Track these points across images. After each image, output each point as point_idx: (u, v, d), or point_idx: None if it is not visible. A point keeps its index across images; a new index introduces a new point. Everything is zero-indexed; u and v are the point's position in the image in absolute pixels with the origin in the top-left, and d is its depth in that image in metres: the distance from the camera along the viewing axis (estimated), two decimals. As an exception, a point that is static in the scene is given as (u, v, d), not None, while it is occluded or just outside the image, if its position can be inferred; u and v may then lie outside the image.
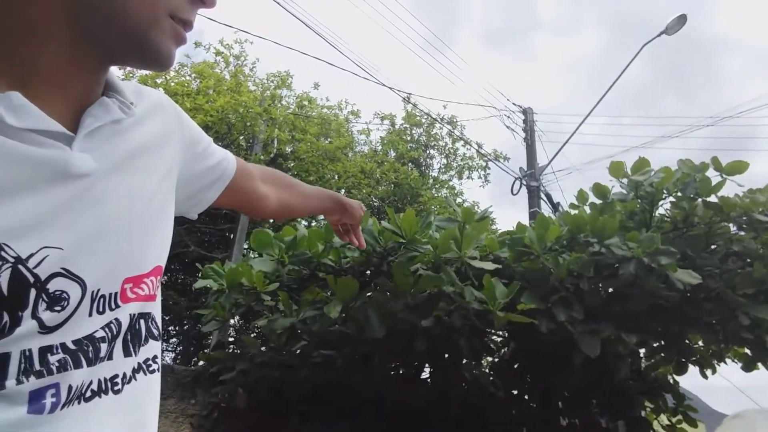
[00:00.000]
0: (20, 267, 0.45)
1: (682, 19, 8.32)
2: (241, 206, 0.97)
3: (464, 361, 3.19)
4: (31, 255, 0.46)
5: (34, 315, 0.46)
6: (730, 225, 2.52)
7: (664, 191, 2.52)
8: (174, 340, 9.66)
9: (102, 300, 0.53)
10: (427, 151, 13.36)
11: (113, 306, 0.54)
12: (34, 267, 0.46)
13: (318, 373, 2.71)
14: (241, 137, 9.66)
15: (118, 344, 0.55)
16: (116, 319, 0.54)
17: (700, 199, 2.44)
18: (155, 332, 0.61)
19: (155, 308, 0.62)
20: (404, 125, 13.12)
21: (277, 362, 2.75)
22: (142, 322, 0.59)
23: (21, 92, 0.48)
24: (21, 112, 0.47)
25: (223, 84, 9.22)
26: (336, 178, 10.36)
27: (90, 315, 0.51)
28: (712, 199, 2.45)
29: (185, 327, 9.15)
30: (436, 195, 11.69)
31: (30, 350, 0.46)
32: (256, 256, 2.80)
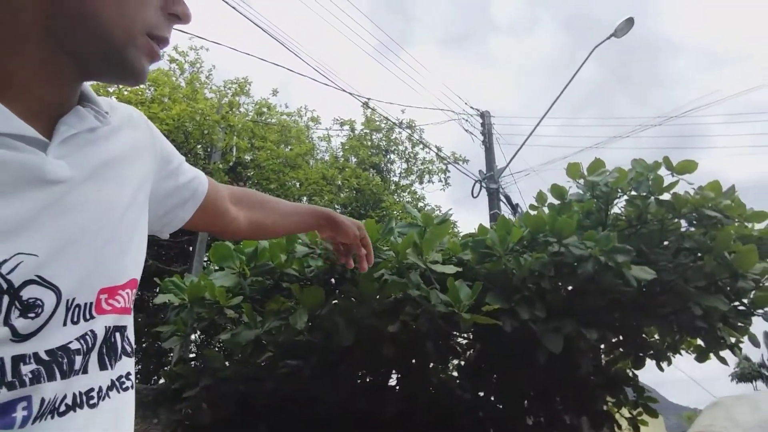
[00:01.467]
0: None
1: (629, 22, 8.64)
2: (212, 228, 0.93)
3: (431, 365, 3.20)
4: (5, 261, 0.45)
5: (7, 322, 0.45)
6: (682, 221, 2.62)
7: (619, 190, 2.61)
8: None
9: (77, 309, 0.52)
10: (388, 156, 13.42)
11: (87, 316, 0.53)
12: (8, 273, 0.45)
13: (284, 384, 2.67)
14: (199, 146, 9.48)
15: (93, 357, 0.54)
16: (91, 331, 0.53)
17: (652, 198, 2.53)
18: (128, 348, 0.60)
19: (130, 322, 0.60)
20: (364, 130, 13.15)
21: (242, 375, 2.69)
22: (117, 335, 0.57)
23: None
24: None
25: (178, 92, 9.03)
26: (297, 185, 10.28)
27: (64, 324, 0.50)
28: (665, 196, 2.54)
29: (143, 344, 8.88)
30: (398, 200, 11.75)
31: (2, 359, 0.45)
32: (217, 269, 2.74)
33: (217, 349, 3.63)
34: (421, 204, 12.84)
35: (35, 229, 0.48)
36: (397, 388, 3.28)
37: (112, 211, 0.56)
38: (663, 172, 2.57)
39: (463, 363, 3.63)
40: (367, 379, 3.34)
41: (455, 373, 3.66)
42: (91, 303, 0.53)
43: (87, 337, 0.53)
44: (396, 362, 3.02)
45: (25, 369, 0.46)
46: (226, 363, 2.92)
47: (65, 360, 0.50)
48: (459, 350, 3.47)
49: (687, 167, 2.52)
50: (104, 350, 0.55)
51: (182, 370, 3.00)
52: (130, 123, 0.65)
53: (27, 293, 0.47)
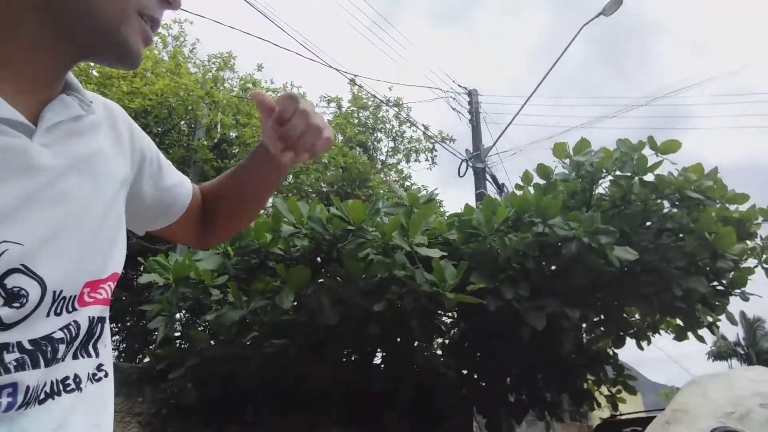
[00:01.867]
0: None
1: (618, 1, 8.60)
2: (188, 240, 0.84)
3: (416, 343, 3.24)
4: None
5: None
6: (664, 202, 2.65)
7: (604, 170, 2.62)
8: (117, 337, 9.33)
9: (62, 302, 0.51)
10: (375, 135, 13.35)
11: (70, 308, 0.53)
12: None
13: (270, 363, 2.68)
14: (183, 122, 9.32)
15: (75, 347, 0.54)
16: (75, 322, 0.53)
17: (636, 178, 2.56)
18: (108, 338, 0.60)
19: (107, 313, 0.60)
20: (351, 108, 13.04)
21: (227, 355, 2.70)
22: (100, 326, 0.57)
23: None
24: None
25: (161, 66, 8.83)
26: (283, 163, 10.17)
27: (47, 315, 0.50)
28: (649, 177, 2.56)
29: (128, 323, 8.84)
30: (385, 179, 11.73)
31: None
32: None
33: (202, 328, 3.63)
34: (407, 183, 12.84)
35: (21, 218, 0.47)
36: (382, 366, 3.31)
37: (94, 206, 0.56)
38: (647, 152, 2.59)
39: (447, 342, 3.68)
40: (353, 358, 3.36)
41: (439, 352, 3.70)
42: (75, 296, 0.53)
43: (71, 327, 0.52)
44: (381, 341, 3.04)
45: (9, 357, 0.46)
46: (212, 342, 2.92)
47: (49, 348, 0.50)
48: (443, 329, 3.51)
49: (671, 146, 2.54)
50: (86, 340, 0.55)
51: (167, 350, 2.99)
52: (111, 117, 0.65)
53: (11, 282, 0.46)
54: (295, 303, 2.46)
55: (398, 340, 3.08)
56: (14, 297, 0.46)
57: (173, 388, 2.83)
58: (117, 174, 0.62)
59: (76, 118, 0.56)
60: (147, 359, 3.17)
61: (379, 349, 3.33)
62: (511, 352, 2.89)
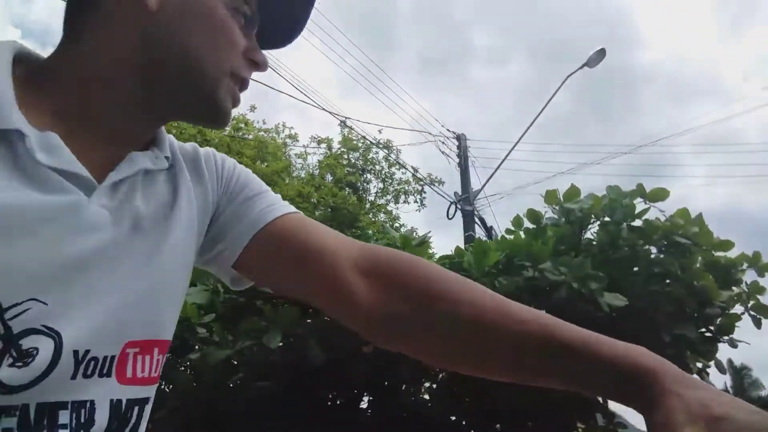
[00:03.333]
0: None
1: (601, 53, 8.92)
2: (304, 291, 0.65)
3: (403, 387, 3.18)
4: (15, 305, 0.42)
5: None
6: (652, 248, 2.68)
7: (593, 216, 2.66)
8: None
9: (93, 363, 0.47)
10: (364, 176, 13.46)
11: (106, 371, 0.48)
12: (10, 318, 0.42)
13: (255, 405, 2.61)
14: (173, 160, 9.35)
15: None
16: (91, 403, 0.47)
17: (625, 224, 2.59)
18: (144, 426, 0.53)
19: (153, 393, 0.54)
20: (341, 149, 13.18)
21: (211, 397, 2.63)
22: (136, 409, 0.51)
23: (63, 134, 0.47)
24: (53, 153, 0.46)
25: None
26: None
27: (73, 378, 0.45)
28: (636, 223, 2.60)
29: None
30: (374, 219, 11.76)
31: None
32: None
33: (183, 368, 3.53)
34: (396, 224, 12.88)
35: (56, 277, 0.45)
36: (369, 411, 3.24)
37: (149, 267, 0.53)
38: (635, 199, 2.63)
39: (434, 386, 3.61)
40: (338, 402, 3.29)
41: (427, 396, 3.63)
42: (113, 357, 0.49)
43: (82, 411, 0.46)
44: (368, 384, 2.98)
45: (8, 422, 0.42)
46: (194, 384, 2.84)
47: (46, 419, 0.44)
48: (432, 372, 3.45)
49: (659, 194, 2.59)
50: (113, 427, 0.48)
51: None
52: (194, 161, 0.64)
53: (28, 343, 0.43)
54: (282, 344, 2.42)
55: (385, 383, 3.03)
56: (23, 356, 0.43)
57: (154, 431, 2.74)
58: (186, 225, 0.59)
59: (146, 174, 0.55)
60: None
61: (366, 393, 3.27)
62: (501, 398, 2.84)
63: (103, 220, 0.49)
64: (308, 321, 2.51)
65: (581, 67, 9.11)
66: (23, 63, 0.51)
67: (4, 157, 0.44)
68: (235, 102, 0.58)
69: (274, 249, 0.63)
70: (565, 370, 0.52)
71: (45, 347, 0.44)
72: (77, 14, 0.53)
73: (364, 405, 3.35)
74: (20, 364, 0.42)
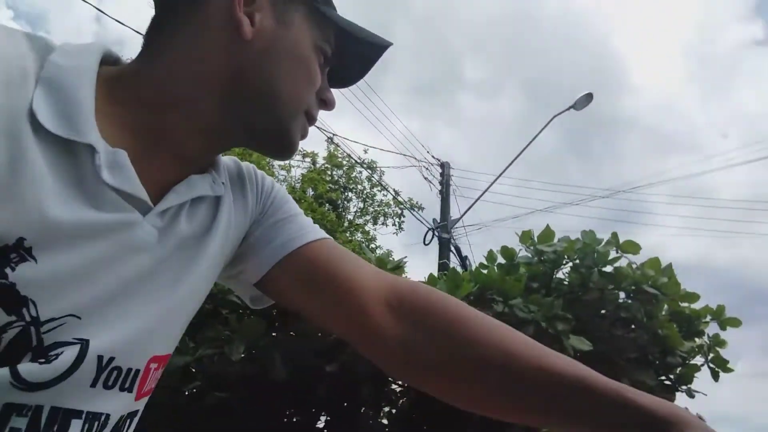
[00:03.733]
0: (31, 329, 0.40)
1: (589, 97, 9.15)
2: (324, 319, 0.64)
3: (362, 410, 3.14)
4: (52, 320, 0.41)
5: (13, 366, 0.40)
6: (620, 293, 2.73)
7: (566, 257, 2.70)
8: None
9: (116, 373, 0.46)
10: (345, 194, 13.48)
11: (127, 385, 0.48)
12: (45, 332, 0.41)
13: (210, 416, 2.55)
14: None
15: None
16: (106, 416, 0.47)
17: (596, 268, 2.64)
18: None
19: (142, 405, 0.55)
20: (325, 165, 13.20)
21: (167, 404, 2.56)
22: (128, 421, 0.52)
23: (131, 149, 0.47)
24: (118, 173, 0.46)
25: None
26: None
27: (93, 386, 0.45)
28: (607, 268, 2.65)
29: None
30: (350, 238, 11.74)
31: None
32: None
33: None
34: (373, 245, 12.87)
35: (99, 297, 0.45)
36: (325, 431, 3.18)
37: (182, 285, 0.54)
38: (606, 245, 2.68)
39: (394, 411, 3.58)
40: (294, 420, 3.23)
41: (385, 421, 3.59)
42: (138, 370, 0.49)
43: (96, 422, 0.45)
44: (327, 404, 2.94)
45: (18, 421, 0.40)
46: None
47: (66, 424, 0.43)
48: (393, 397, 3.42)
49: (631, 247, 2.66)
50: None
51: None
52: (240, 181, 0.64)
53: (55, 350, 0.42)
54: (243, 355, 2.38)
55: (345, 404, 2.99)
56: (47, 356, 0.42)
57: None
58: (222, 244, 0.60)
59: (197, 198, 0.55)
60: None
61: (323, 413, 3.21)
62: (460, 429, 2.83)
63: (151, 241, 0.49)
64: (273, 334, 2.48)
65: (568, 109, 9.33)
66: (104, 66, 0.51)
67: (69, 169, 0.44)
68: (303, 136, 0.60)
69: (300, 274, 0.63)
70: (598, 418, 0.52)
71: (70, 349, 0.43)
72: (165, 30, 0.54)
73: (320, 425, 3.30)
74: (42, 360, 0.41)
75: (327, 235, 0.66)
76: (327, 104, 0.62)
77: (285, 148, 0.59)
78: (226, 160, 0.65)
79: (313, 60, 0.57)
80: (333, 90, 0.64)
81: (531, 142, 9.58)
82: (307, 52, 0.56)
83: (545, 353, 0.55)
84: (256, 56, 0.53)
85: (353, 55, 0.63)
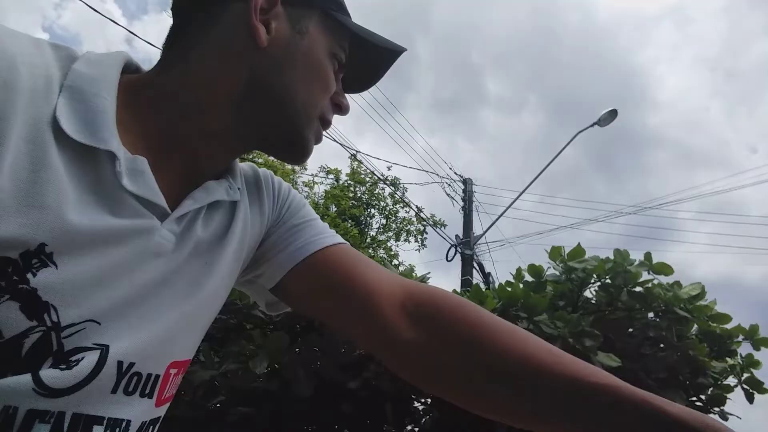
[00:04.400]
0: (52, 334, 0.41)
1: (613, 114, 9.03)
2: (342, 324, 0.63)
3: (385, 427, 3.11)
4: (72, 325, 0.42)
5: (36, 372, 0.40)
6: (649, 313, 2.67)
7: (595, 276, 2.66)
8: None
9: (136, 379, 0.46)
10: (368, 210, 13.52)
11: (148, 391, 0.48)
12: (65, 337, 0.42)
13: (234, 431, 2.56)
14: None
15: None
16: (128, 422, 0.47)
17: (625, 288, 2.59)
18: None
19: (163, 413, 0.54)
20: (348, 181, 13.28)
21: (190, 418, 2.57)
22: (150, 428, 0.51)
23: (149, 156, 0.48)
24: (138, 179, 0.47)
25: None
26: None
27: (114, 392, 0.45)
28: (637, 288, 2.60)
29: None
30: (373, 255, 11.74)
31: (15, 409, 0.39)
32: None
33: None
34: (395, 261, 12.85)
35: (118, 303, 0.45)
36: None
37: (200, 289, 0.54)
38: (638, 265, 2.63)
39: (417, 429, 3.53)
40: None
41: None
42: (158, 376, 0.49)
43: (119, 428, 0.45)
44: (350, 421, 2.93)
45: (40, 428, 0.40)
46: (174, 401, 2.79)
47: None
48: (416, 416, 3.39)
49: (663, 269, 2.60)
50: None
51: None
52: (256, 187, 0.65)
53: (75, 356, 0.43)
54: (268, 370, 2.39)
55: (368, 421, 2.97)
56: (68, 361, 0.42)
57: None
58: (238, 249, 0.60)
59: (213, 203, 0.56)
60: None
61: (346, 430, 3.20)
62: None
63: (169, 246, 0.50)
64: (297, 350, 2.48)
65: (591, 126, 9.23)
66: (125, 75, 0.52)
67: (90, 176, 0.44)
68: (318, 141, 0.60)
69: (316, 279, 0.62)
70: (627, 427, 0.50)
71: (91, 354, 0.43)
72: (183, 39, 0.55)
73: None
74: (63, 366, 0.41)
75: (343, 240, 0.66)
76: (341, 109, 0.63)
77: (299, 153, 0.59)
78: (243, 166, 0.66)
79: (328, 66, 0.58)
80: (349, 95, 0.65)
81: (555, 158, 9.51)
82: (322, 58, 0.57)
83: (570, 360, 0.53)
84: (271, 63, 0.54)
85: (368, 60, 0.64)
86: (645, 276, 2.57)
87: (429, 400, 3.33)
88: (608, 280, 2.65)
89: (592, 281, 2.71)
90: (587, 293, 2.85)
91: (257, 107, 0.54)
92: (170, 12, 0.56)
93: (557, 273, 2.75)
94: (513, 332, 0.55)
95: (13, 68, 0.40)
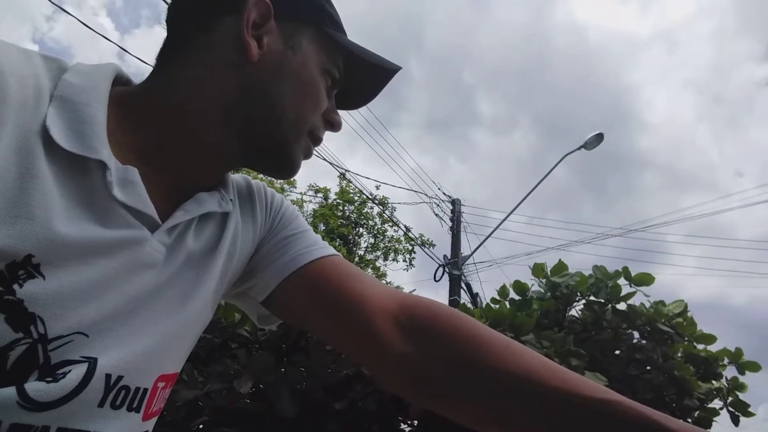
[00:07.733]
0: (38, 346, 0.40)
1: (599, 137, 9.17)
2: (337, 339, 0.62)
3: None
4: (59, 337, 0.41)
5: (20, 385, 0.40)
6: (635, 332, 2.69)
7: (578, 293, 2.68)
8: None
9: (124, 393, 0.45)
10: (357, 229, 13.50)
11: (135, 405, 0.47)
12: (53, 349, 0.41)
13: (216, 453, 2.51)
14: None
15: None
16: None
17: (609, 305, 2.60)
18: None
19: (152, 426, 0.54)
20: (337, 200, 13.28)
21: (172, 438, 2.52)
22: None
23: (140, 167, 0.48)
24: (129, 189, 0.46)
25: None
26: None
27: (101, 405, 0.44)
28: (621, 305, 2.61)
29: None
30: (360, 273, 11.70)
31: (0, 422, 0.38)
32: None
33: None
34: (383, 281, 12.81)
35: (107, 315, 0.44)
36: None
37: (191, 301, 0.53)
38: (621, 281, 2.66)
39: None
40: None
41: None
42: (146, 389, 0.48)
43: None
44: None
45: None
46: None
47: None
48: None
49: (644, 279, 2.62)
50: None
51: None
52: (248, 199, 0.65)
53: (63, 369, 0.42)
54: (252, 390, 2.36)
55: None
56: (54, 374, 0.41)
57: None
58: (228, 261, 0.59)
59: (205, 215, 0.55)
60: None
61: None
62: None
63: (159, 258, 0.49)
64: (282, 370, 2.46)
65: (578, 149, 9.35)
66: (116, 86, 0.52)
67: (79, 186, 0.44)
68: (307, 156, 0.60)
69: (308, 291, 0.61)
70: None
71: (78, 367, 0.43)
72: (175, 51, 0.55)
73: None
74: (50, 379, 0.41)
75: (335, 252, 0.65)
76: (333, 126, 0.62)
77: (286, 168, 0.59)
78: (236, 177, 0.65)
79: (320, 83, 0.58)
80: (341, 111, 0.64)
81: (542, 180, 9.60)
82: (314, 74, 0.57)
83: (566, 373, 0.52)
84: (262, 77, 0.54)
85: (362, 78, 0.63)
86: (627, 290, 2.59)
87: (416, 422, 3.31)
88: (592, 297, 2.67)
89: (577, 299, 2.73)
90: (572, 312, 2.86)
91: (247, 121, 0.54)
92: (164, 24, 0.57)
93: (542, 290, 2.77)
94: (508, 345, 0.54)
95: (1, 78, 0.40)
